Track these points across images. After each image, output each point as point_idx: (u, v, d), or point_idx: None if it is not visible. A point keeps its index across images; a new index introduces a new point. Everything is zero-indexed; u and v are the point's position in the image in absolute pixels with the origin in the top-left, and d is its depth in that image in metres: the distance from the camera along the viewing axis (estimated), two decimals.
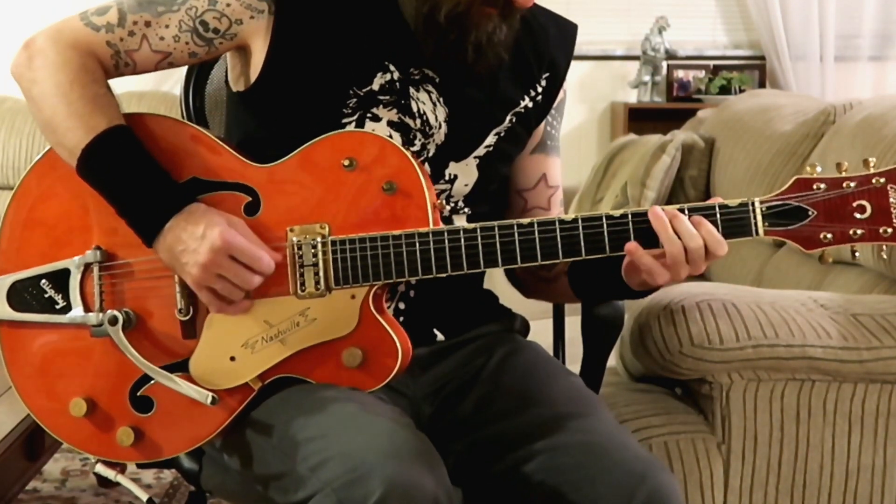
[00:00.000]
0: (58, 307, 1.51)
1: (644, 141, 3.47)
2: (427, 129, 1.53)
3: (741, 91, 4.50)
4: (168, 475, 3.00)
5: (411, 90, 1.53)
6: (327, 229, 1.44)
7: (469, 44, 1.48)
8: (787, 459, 1.81)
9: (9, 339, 1.54)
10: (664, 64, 4.85)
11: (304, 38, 1.50)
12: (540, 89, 1.62)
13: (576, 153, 4.91)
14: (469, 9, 1.46)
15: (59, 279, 1.51)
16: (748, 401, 1.80)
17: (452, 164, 1.56)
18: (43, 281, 1.51)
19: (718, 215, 1.38)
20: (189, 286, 1.43)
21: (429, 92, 1.54)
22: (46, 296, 1.51)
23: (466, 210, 1.58)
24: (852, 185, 1.36)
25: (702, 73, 4.91)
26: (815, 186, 1.37)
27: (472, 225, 1.41)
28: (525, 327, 1.72)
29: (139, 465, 1.64)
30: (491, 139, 1.58)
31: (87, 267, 1.50)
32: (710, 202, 1.40)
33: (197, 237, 1.39)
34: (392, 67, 1.52)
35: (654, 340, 1.77)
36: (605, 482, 1.39)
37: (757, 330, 1.75)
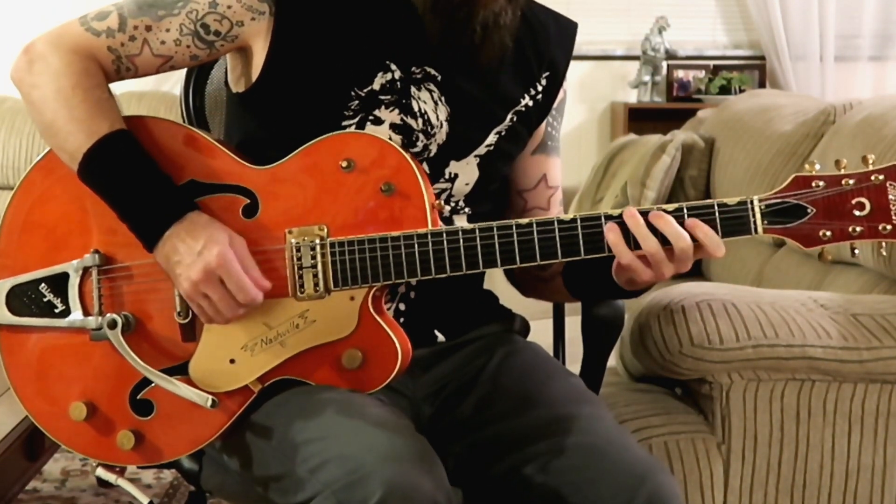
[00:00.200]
0: (57, 311, 1.51)
1: (644, 141, 3.47)
2: (429, 128, 1.53)
3: (741, 91, 4.50)
4: (168, 475, 3.00)
5: (413, 89, 1.53)
6: (326, 231, 1.44)
7: (477, 23, 1.48)
8: (787, 459, 1.81)
9: (8, 343, 1.54)
10: (664, 64, 4.85)
11: (304, 39, 1.50)
12: (540, 88, 1.62)
13: (576, 153, 4.91)
14: None
15: (58, 283, 1.50)
16: (748, 401, 1.80)
17: (453, 163, 1.56)
18: (42, 285, 1.51)
19: (717, 214, 1.38)
20: (181, 293, 1.43)
21: (430, 91, 1.53)
22: (45, 300, 1.51)
23: (467, 210, 1.58)
24: (851, 182, 1.36)
25: (702, 73, 4.91)
26: (813, 184, 1.37)
27: (471, 225, 1.41)
28: (525, 328, 1.72)
29: (139, 466, 1.63)
30: (492, 138, 1.58)
31: (86, 271, 1.50)
32: (707, 201, 1.39)
33: (194, 252, 1.39)
34: (393, 66, 1.52)
35: (654, 340, 1.77)
36: (606, 483, 1.39)
37: (757, 330, 1.75)
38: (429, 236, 1.41)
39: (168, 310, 1.47)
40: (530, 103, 1.61)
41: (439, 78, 1.54)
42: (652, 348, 1.77)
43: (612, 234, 1.38)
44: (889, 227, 1.35)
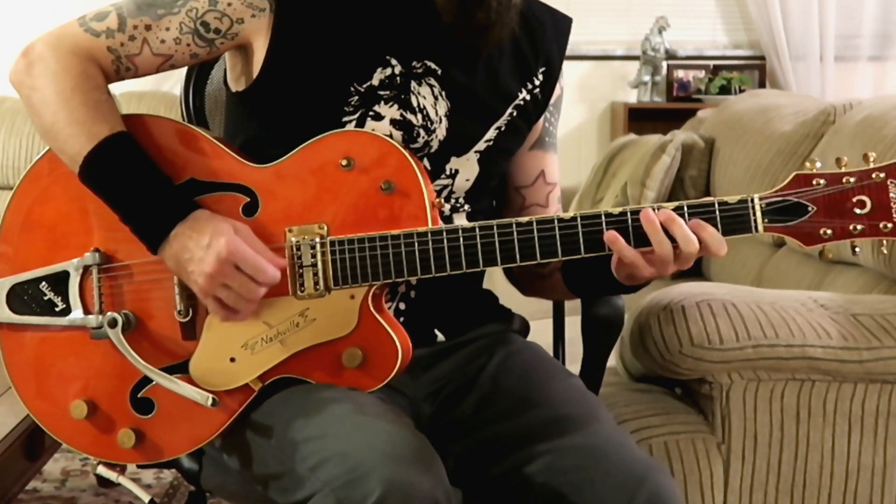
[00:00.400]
0: (57, 309, 1.51)
1: (644, 141, 3.47)
2: (428, 123, 1.54)
3: (741, 91, 4.49)
4: (168, 475, 3.00)
5: (413, 84, 1.53)
6: (326, 229, 1.44)
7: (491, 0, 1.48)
8: (787, 459, 1.81)
9: (9, 341, 1.54)
10: (664, 64, 4.85)
11: (304, 35, 1.50)
12: (537, 83, 1.62)
13: (576, 153, 4.91)
14: None
15: (59, 281, 1.51)
16: (748, 401, 1.80)
17: (454, 160, 1.56)
18: (42, 283, 1.51)
19: (718, 212, 1.38)
20: (195, 293, 1.43)
21: (431, 86, 1.54)
22: (46, 298, 1.51)
23: (466, 207, 1.59)
24: (852, 180, 1.36)
25: (702, 73, 4.91)
26: (814, 182, 1.36)
27: (471, 224, 1.41)
28: (525, 327, 1.72)
29: (139, 466, 1.64)
30: (491, 133, 1.58)
31: (87, 269, 1.50)
32: (707, 199, 1.39)
33: (203, 246, 1.39)
34: (394, 61, 1.52)
35: (654, 340, 1.77)
36: (605, 484, 1.39)
37: (757, 330, 1.75)
38: (429, 235, 1.41)
39: (168, 308, 1.47)
40: (528, 97, 1.61)
41: (439, 72, 1.54)
42: (652, 348, 1.77)
43: (613, 237, 1.38)
44: (890, 225, 1.35)
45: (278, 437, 1.41)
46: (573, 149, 4.90)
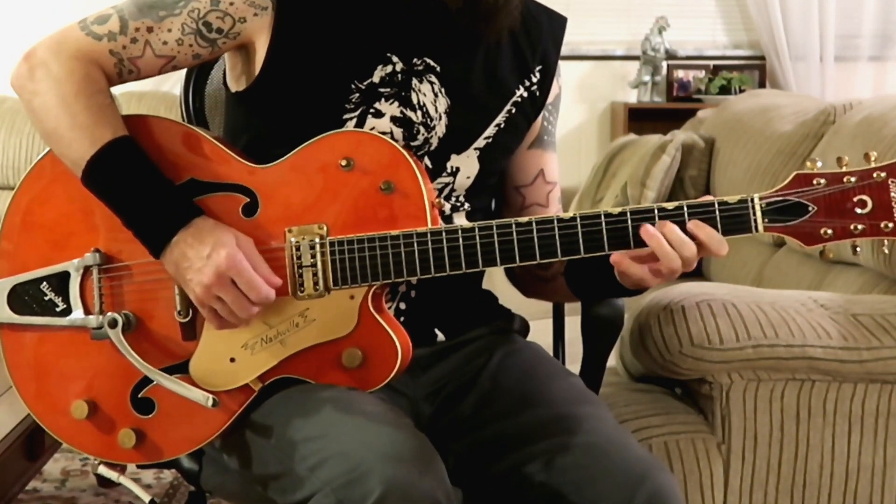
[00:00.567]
0: (58, 310, 1.51)
1: (644, 141, 3.48)
2: (428, 120, 1.54)
3: (741, 91, 4.49)
4: (168, 475, 3.00)
5: (413, 81, 1.53)
6: (325, 230, 1.44)
7: None
8: (787, 459, 1.81)
9: (10, 341, 1.54)
10: (664, 64, 4.85)
11: (305, 34, 1.50)
12: (535, 80, 1.62)
13: (576, 153, 4.91)
14: None
15: (60, 282, 1.51)
16: (748, 401, 1.80)
17: (454, 157, 1.57)
18: (43, 284, 1.51)
19: (718, 212, 1.37)
20: (192, 299, 1.43)
21: (431, 83, 1.54)
22: (47, 298, 1.51)
23: (466, 206, 1.59)
24: (853, 179, 1.35)
25: (702, 73, 4.91)
26: (815, 182, 1.36)
27: (471, 224, 1.41)
28: (525, 327, 1.72)
29: (139, 466, 1.64)
30: (491, 130, 1.59)
31: (87, 269, 1.50)
32: (707, 198, 1.39)
33: (203, 256, 1.39)
34: (395, 58, 1.52)
35: (654, 340, 1.77)
36: (606, 483, 1.39)
37: (757, 330, 1.75)
38: (428, 235, 1.41)
39: (169, 308, 1.47)
40: (525, 95, 1.62)
41: (439, 69, 1.54)
42: (652, 348, 1.77)
43: (616, 255, 1.39)
44: (891, 224, 1.34)
45: (278, 437, 1.41)
46: (573, 149, 4.90)
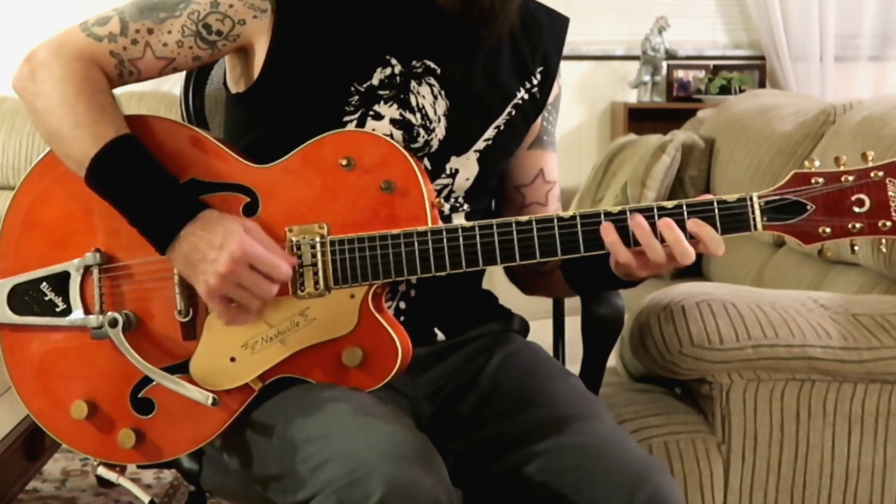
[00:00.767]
0: (58, 310, 1.51)
1: (644, 141, 3.48)
2: (428, 123, 1.54)
3: (741, 91, 4.49)
4: (168, 475, 3.00)
5: (412, 84, 1.53)
6: (326, 229, 1.44)
7: None
8: (787, 459, 1.81)
9: (9, 342, 1.54)
10: (664, 64, 4.85)
11: (304, 36, 1.51)
12: (535, 81, 1.63)
13: (576, 153, 4.91)
14: None
15: (60, 282, 1.51)
16: (748, 401, 1.80)
17: (454, 159, 1.57)
18: (43, 284, 1.51)
19: (717, 211, 1.38)
20: (200, 294, 1.43)
21: (430, 85, 1.54)
22: (47, 299, 1.51)
23: (465, 207, 1.59)
24: (850, 178, 1.36)
25: (702, 73, 4.91)
26: (813, 181, 1.36)
27: (470, 223, 1.41)
28: (525, 327, 1.72)
29: (139, 466, 1.64)
30: (490, 132, 1.59)
31: (87, 269, 1.50)
32: (706, 197, 1.39)
33: (215, 246, 1.39)
34: (394, 61, 1.52)
35: (654, 340, 1.77)
36: (605, 484, 1.39)
37: (757, 330, 1.75)
38: (428, 234, 1.41)
39: (169, 308, 1.47)
40: (526, 97, 1.62)
41: (439, 71, 1.54)
42: (652, 348, 1.78)
43: (609, 235, 1.38)
44: (889, 223, 1.35)
45: (279, 437, 1.41)
46: (573, 149, 4.90)
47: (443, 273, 1.42)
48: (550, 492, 1.42)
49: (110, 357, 1.48)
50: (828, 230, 1.36)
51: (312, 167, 1.46)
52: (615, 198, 3.33)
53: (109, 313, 1.47)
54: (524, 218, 1.41)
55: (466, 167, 1.58)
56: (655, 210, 1.39)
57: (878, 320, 1.80)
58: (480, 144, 1.58)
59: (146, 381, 1.48)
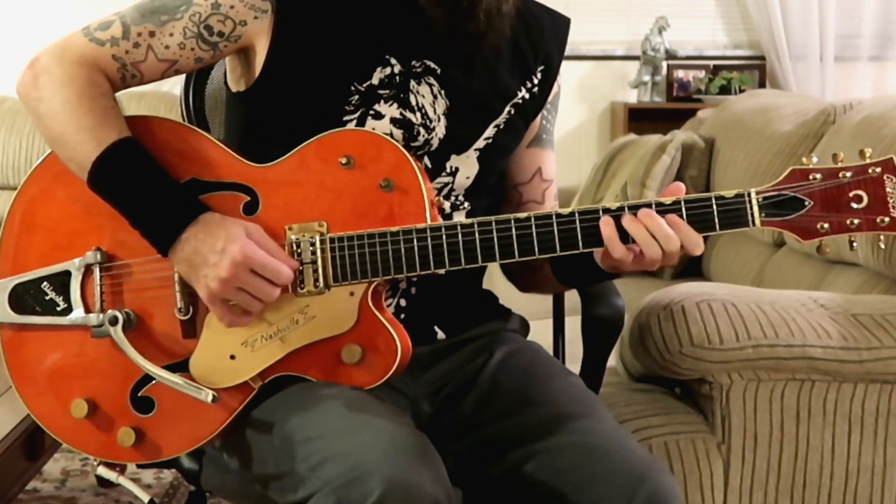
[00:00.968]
0: (59, 309, 1.51)
1: (644, 141, 3.48)
2: (427, 122, 1.54)
3: (741, 91, 4.49)
4: (168, 475, 3.00)
5: (412, 83, 1.54)
6: (325, 227, 1.44)
7: (481, 11, 1.49)
8: (787, 459, 1.81)
9: (10, 341, 1.54)
10: (664, 64, 4.85)
11: (305, 36, 1.51)
12: (536, 81, 1.63)
13: (576, 153, 4.91)
14: None
15: (61, 281, 1.51)
16: (748, 401, 1.80)
17: (454, 157, 1.57)
18: (44, 283, 1.51)
19: (715, 206, 1.38)
20: (201, 297, 1.43)
21: (430, 84, 1.54)
22: (48, 298, 1.51)
23: (466, 205, 1.59)
24: (848, 175, 1.36)
25: (702, 73, 4.91)
26: (811, 177, 1.37)
27: (469, 220, 1.41)
28: (525, 327, 1.72)
29: (139, 466, 1.64)
30: (490, 131, 1.59)
31: (88, 268, 1.50)
32: (705, 194, 1.40)
33: (217, 251, 1.40)
34: (393, 61, 1.53)
35: (654, 340, 1.77)
36: (605, 483, 1.39)
37: (757, 330, 1.75)
38: (428, 231, 1.41)
39: (169, 307, 1.48)
40: (527, 96, 1.62)
41: (439, 71, 1.55)
42: (652, 348, 1.78)
43: (607, 228, 1.39)
44: (887, 219, 1.35)
45: (278, 436, 1.41)
46: (573, 149, 4.90)
47: (442, 270, 1.42)
48: (550, 491, 1.42)
49: (110, 356, 1.48)
50: (826, 226, 1.36)
51: (312, 166, 1.46)
52: (615, 198, 3.33)
53: (110, 311, 1.48)
54: (523, 215, 1.41)
55: (467, 166, 1.58)
56: (654, 207, 1.39)
57: (878, 320, 1.81)
58: (480, 143, 1.58)
59: (146, 379, 1.48)
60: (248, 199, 1.47)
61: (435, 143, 1.55)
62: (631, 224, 1.38)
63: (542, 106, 1.65)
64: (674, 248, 1.38)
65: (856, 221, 1.36)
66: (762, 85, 4.87)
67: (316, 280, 1.43)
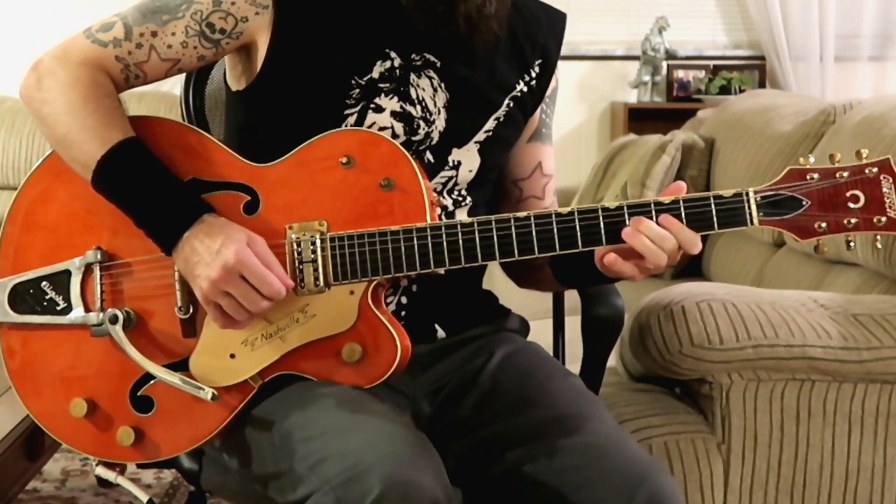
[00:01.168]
0: (59, 308, 1.51)
1: (644, 141, 3.48)
2: (427, 115, 1.54)
3: (741, 91, 4.49)
4: (168, 475, 3.00)
5: (412, 76, 1.54)
6: (326, 226, 1.44)
7: (459, 15, 1.50)
8: (787, 459, 1.81)
9: (9, 340, 1.54)
10: (664, 64, 4.85)
11: (305, 31, 1.51)
12: (534, 74, 1.64)
13: (576, 153, 4.91)
14: None
15: (60, 280, 1.51)
16: (748, 401, 1.80)
17: (455, 151, 1.57)
18: (44, 283, 1.52)
19: (713, 206, 1.39)
20: (197, 296, 1.43)
21: (430, 78, 1.55)
22: (47, 297, 1.51)
23: (468, 201, 1.59)
24: (845, 175, 1.37)
25: (702, 73, 4.91)
26: (808, 177, 1.37)
27: (470, 219, 1.42)
28: (525, 327, 1.72)
29: (139, 466, 1.64)
30: (490, 124, 1.59)
31: (88, 268, 1.50)
32: (704, 193, 1.40)
33: (212, 252, 1.40)
34: (393, 54, 1.53)
35: (654, 340, 1.77)
36: (605, 484, 1.39)
37: (757, 330, 1.75)
38: (428, 230, 1.41)
39: (169, 306, 1.48)
40: (525, 89, 1.63)
41: (438, 64, 1.55)
42: (652, 348, 1.78)
43: (608, 255, 1.41)
44: (884, 219, 1.36)
45: (278, 435, 1.42)
46: (573, 149, 4.90)
47: (442, 269, 1.42)
48: (550, 492, 1.42)
49: (110, 355, 1.48)
50: (823, 225, 1.37)
51: (312, 165, 1.46)
52: (615, 198, 3.33)
53: (109, 310, 1.48)
54: (522, 214, 1.41)
55: (468, 159, 1.58)
56: (653, 206, 1.39)
57: (877, 320, 1.81)
58: (481, 136, 1.59)
59: (146, 378, 1.48)
60: (249, 198, 1.47)
61: (435, 136, 1.55)
62: (633, 238, 1.38)
63: (540, 100, 1.66)
64: (671, 247, 1.38)
65: (853, 221, 1.36)
66: (762, 85, 4.86)
67: (316, 279, 1.44)
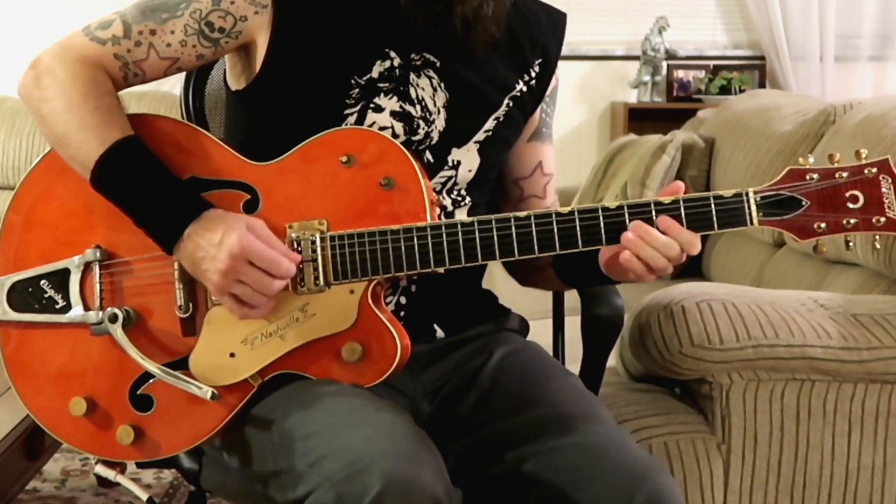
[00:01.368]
0: (58, 307, 1.51)
1: (644, 141, 3.48)
2: (427, 115, 1.54)
3: (741, 91, 4.49)
4: (168, 475, 3.00)
5: (412, 76, 1.54)
6: (325, 225, 1.44)
7: (456, 17, 1.50)
8: (787, 459, 1.81)
9: (9, 339, 1.54)
10: (664, 64, 4.85)
11: (304, 30, 1.51)
12: (534, 74, 1.64)
13: (576, 153, 4.91)
14: None
15: (59, 279, 1.51)
16: (748, 401, 1.80)
17: (455, 150, 1.57)
18: (43, 281, 1.51)
19: (713, 206, 1.39)
20: (211, 291, 1.43)
21: (430, 77, 1.55)
22: (46, 296, 1.51)
23: (468, 200, 1.59)
24: (844, 175, 1.37)
25: (702, 73, 4.91)
26: (808, 177, 1.38)
27: (470, 219, 1.42)
28: (525, 327, 1.72)
29: (139, 465, 1.64)
30: (490, 124, 1.59)
31: (87, 266, 1.50)
32: (703, 194, 1.40)
33: (215, 244, 1.39)
34: (392, 54, 1.53)
35: (654, 340, 1.77)
36: (605, 483, 1.39)
37: (757, 330, 1.75)
38: (428, 230, 1.41)
39: (168, 305, 1.48)
40: (524, 89, 1.63)
41: (438, 64, 1.55)
42: (652, 348, 1.78)
43: (626, 254, 1.40)
44: (883, 219, 1.36)
45: (278, 434, 1.42)
46: (573, 149, 4.90)
47: (441, 269, 1.42)
48: (550, 491, 1.42)
49: (109, 354, 1.48)
50: (823, 226, 1.37)
51: (312, 164, 1.46)
52: (615, 198, 3.33)
53: (109, 309, 1.48)
54: (522, 213, 1.41)
55: (468, 159, 1.58)
56: (653, 206, 1.39)
57: (877, 320, 1.81)
58: (480, 136, 1.59)
59: (145, 377, 1.48)
60: (249, 197, 1.47)
61: (435, 136, 1.55)
62: (635, 244, 1.38)
63: (540, 99, 1.66)
64: (675, 254, 1.38)
65: (852, 221, 1.37)
66: (762, 85, 4.86)
67: (316, 278, 1.44)
